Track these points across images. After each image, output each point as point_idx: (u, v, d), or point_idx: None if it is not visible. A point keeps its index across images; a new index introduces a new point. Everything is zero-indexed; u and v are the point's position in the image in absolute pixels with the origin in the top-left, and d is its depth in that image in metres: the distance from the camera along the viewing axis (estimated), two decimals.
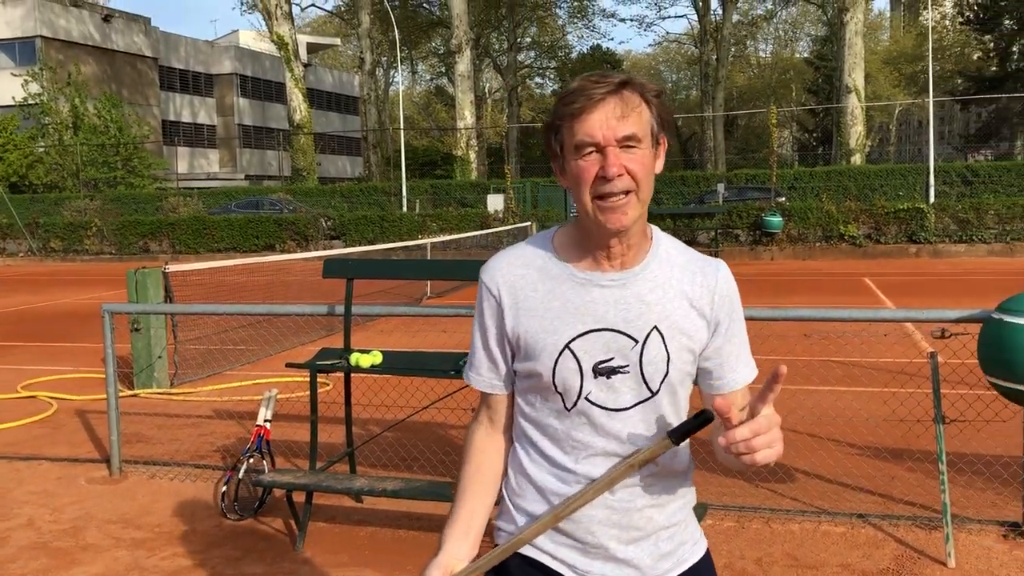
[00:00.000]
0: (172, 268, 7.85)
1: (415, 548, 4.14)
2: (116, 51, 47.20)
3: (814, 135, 59.73)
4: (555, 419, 1.61)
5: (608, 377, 1.57)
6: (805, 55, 66.10)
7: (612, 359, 1.57)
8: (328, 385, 7.57)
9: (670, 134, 1.60)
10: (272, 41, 36.35)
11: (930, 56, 26.93)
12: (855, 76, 30.89)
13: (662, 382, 1.58)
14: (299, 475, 4.26)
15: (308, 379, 4.52)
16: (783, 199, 24.85)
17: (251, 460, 4.75)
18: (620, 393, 1.57)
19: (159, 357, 7.76)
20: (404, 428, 5.75)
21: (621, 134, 1.49)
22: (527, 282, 1.62)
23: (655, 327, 1.57)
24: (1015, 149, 45.31)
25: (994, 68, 45.70)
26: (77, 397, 7.43)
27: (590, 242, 1.59)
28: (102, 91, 41.47)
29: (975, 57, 53.24)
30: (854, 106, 30.76)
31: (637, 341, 1.56)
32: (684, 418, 1.64)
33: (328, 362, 4.44)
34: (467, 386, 4.34)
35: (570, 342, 1.57)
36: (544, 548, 1.63)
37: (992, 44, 46.31)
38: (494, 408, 1.71)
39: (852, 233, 21.81)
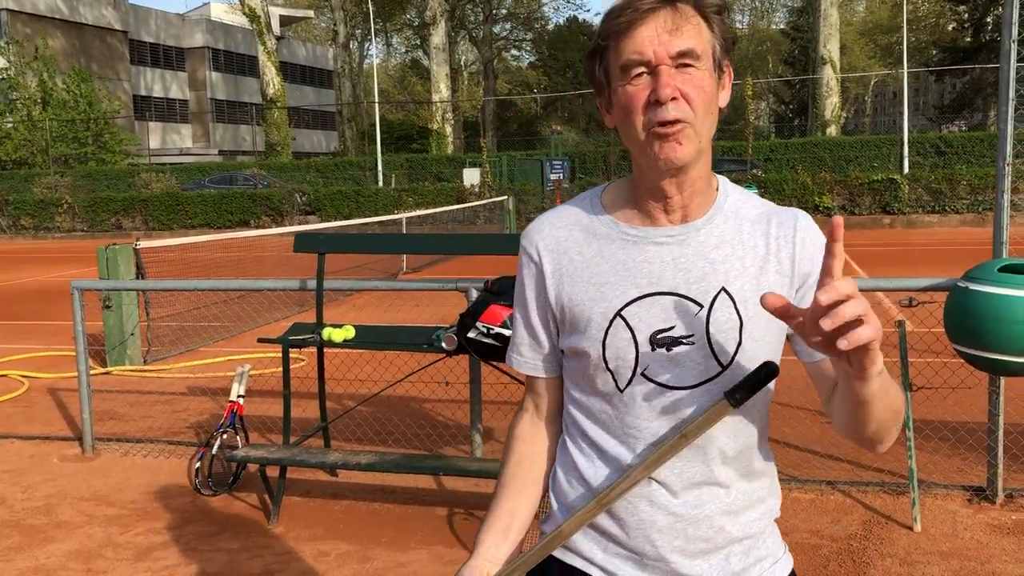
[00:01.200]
0: (144, 244, 7.79)
1: (390, 520, 4.16)
2: (84, 24, 46.40)
3: (790, 107, 59.86)
4: (607, 403, 1.38)
5: (668, 349, 1.32)
6: (782, 26, 66.13)
7: (673, 328, 1.32)
8: (303, 360, 7.56)
9: (729, 63, 1.36)
10: (244, 14, 35.88)
11: (904, 27, 27.01)
12: (830, 47, 30.93)
13: (735, 355, 1.32)
14: (272, 450, 4.27)
15: (281, 354, 4.51)
16: (759, 171, 24.94)
17: (224, 436, 4.74)
18: (684, 368, 1.32)
19: (131, 334, 7.71)
20: (378, 402, 5.76)
21: (675, 49, 1.25)
22: (572, 243, 1.41)
23: (723, 288, 1.32)
24: (988, 120, 45.63)
25: (968, 39, 45.89)
26: (49, 375, 7.38)
27: (643, 193, 1.36)
28: (71, 65, 40.77)
29: (949, 28, 53.45)
30: (829, 77, 30.83)
31: (702, 306, 1.32)
32: (769, 398, 1.40)
33: (300, 337, 4.43)
34: (440, 359, 4.34)
35: (622, 309, 1.34)
36: (594, 560, 1.40)
37: (966, 15, 46.48)
38: (539, 393, 1.50)
39: (827, 204, 21.96)
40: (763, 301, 1.10)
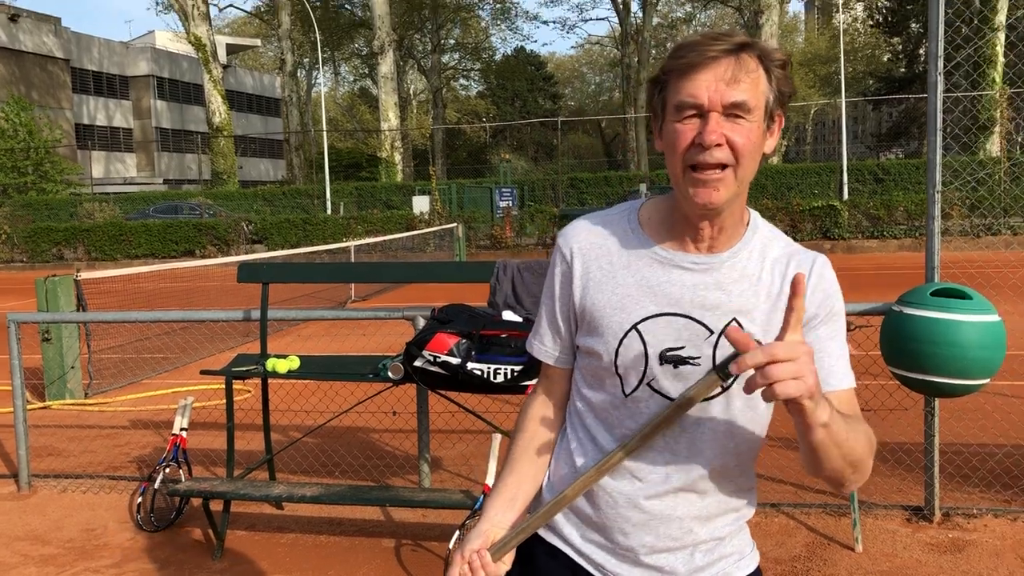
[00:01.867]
0: (85, 275, 7.64)
1: (337, 553, 4.11)
2: (24, 52, 45.59)
3: None
4: (610, 403, 1.47)
5: (675, 366, 1.41)
6: None
7: (683, 348, 1.41)
8: (248, 392, 7.46)
9: (782, 113, 1.42)
10: (189, 42, 35.59)
11: (842, 58, 27.81)
12: None
13: (734, 380, 1.41)
14: (216, 483, 4.20)
15: (224, 386, 4.46)
16: None
17: (167, 470, 4.66)
18: (687, 385, 1.40)
19: (72, 367, 7.54)
20: (324, 433, 5.70)
21: (729, 100, 1.31)
22: (603, 252, 1.49)
23: (735, 319, 1.41)
24: (924, 147, 46.98)
25: (903, 69, 47.31)
26: None
27: (678, 219, 1.44)
28: (10, 93, 40.03)
29: (885, 59, 55.09)
30: None
31: (712, 331, 1.40)
32: (759, 423, 1.48)
33: (244, 368, 4.39)
34: (387, 388, 4.33)
35: (639, 323, 1.42)
36: (574, 543, 1.53)
37: (900, 47, 47.97)
38: (553, 380, 1.61)
39: None
40: (726, 334, 1.19)
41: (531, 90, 62.53)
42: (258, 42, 64.10)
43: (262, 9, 56.01)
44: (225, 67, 49.19)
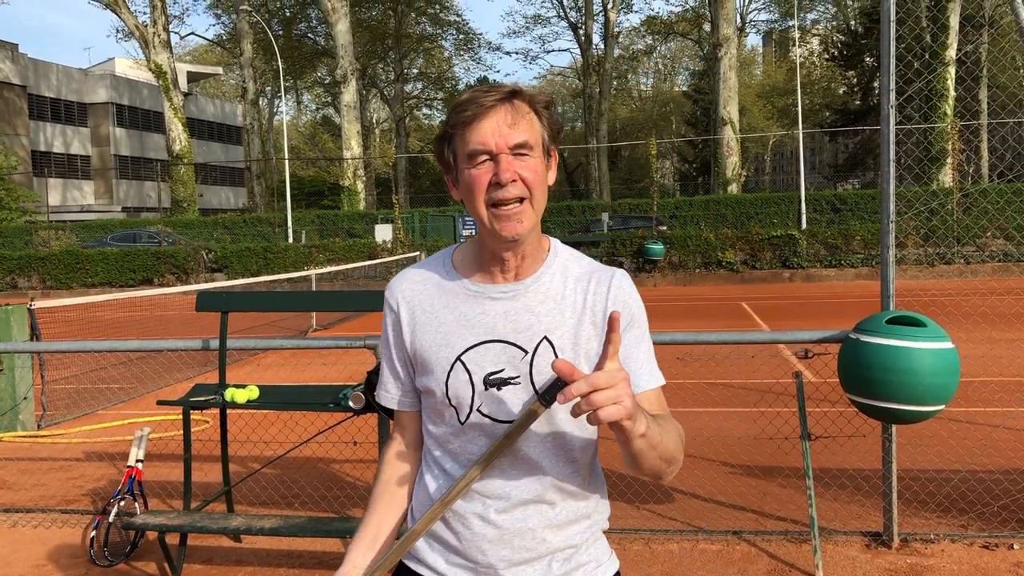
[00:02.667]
0: (39, 304, 7.50)
1: None
2: None
3: (694, 165, 61.82)
4: (452, 434, 1.59)
5: (499, 389, 1.54)
6: (684, 88, 68.53)
7: (503, 370, 1.54)
8: (207, 423, 7.34)
9: (555, 149, 1.60)
10: (150, 70, 35.36)
11: (799, 90, 28.35)
12: (730, 109, 32.17)
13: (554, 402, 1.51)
14: (172, 516, 4.12)
15: (182, 417, 4.39)
16: (664, 227, 25.61)
17: (122, 503, 4.56)
18: (510, 405, 1.53)
19: (24, 398, 7.38)
20: (283, 464, 5.63)
21: (513, 141, 1.48)
22: (425, 297, 1.63)
23: (545, 337, 1.53)
24: (879, 177, 47.97)
25: (858, 102, 48.39)
26: None
27: (485, 255, 1.59)
28: None
29: (841, 91, 56.29)
30: (729, 137, 32.01)
31: (527, 352, 1.53)
32: (587, 429, 1.59)
33: (202, 398, 4.32)
34: (348, 418, 4.29)
35: (462, 354, 1.56)
36: (438, 568, 1.60)
37: (855, 79, 49.08)
38: (404, 425, 1.71)
39: (729, 259, 22.62)
40: (552, 366, 1.28)
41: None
42: (220, 70, 63.89)
43: (224, 38, 55.88)
44: (186, 95, 48.90)
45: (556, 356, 1.52)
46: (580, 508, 1.60)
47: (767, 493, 5.07)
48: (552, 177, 1.58)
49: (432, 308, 1.61)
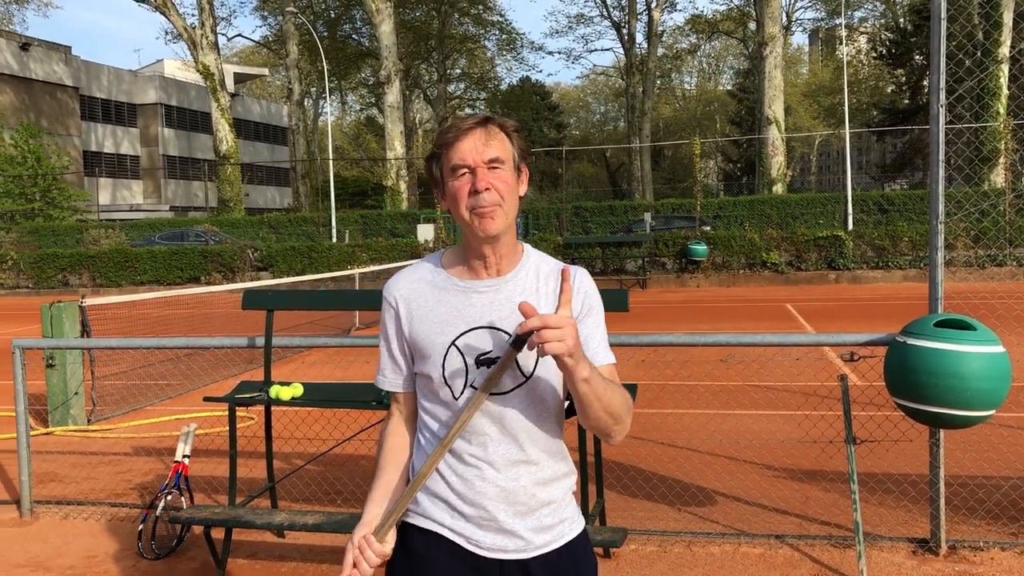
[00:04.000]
0: (90, 301, 7.66)
1: None
2: (34, 80, 46.06)
3: (738, 165, 61.25)
4: (447, 409, 1.88)
5: (489, 366, 1.82)
6: (728, 87, 67.93)
7: (491, 351, 1.83)
8: (252, 419, 7.45)
9: (526, 166, 1.91)
10: (198, 71, 35.90)
11: (846, 89, 27.95)
12: (775, 108, 31.80)
13: (534, 368, 1.84)
14: (218, 510, 4.19)
15: (228, 413, 4.45)
16: (708, 228, 25.38)
17: (169, 497, 4.65)
18: (500, 380, 1.81)
19: (75, 393, 7.54)
20: (326, 461, 5.69)
21: (487, 157, 1.80)
22: (419, 294, 1.93)
23: None
24: (928, 178, 47.10)
25: (907, 101, 47.57)
26: None
27: (470, 254, 1.89)
28: (19, 121, 40.37)
29: (889, 90, 55.37)
30: (775, 137, 31.64)
31: (510, 334, 1.82)
32: (563, 396, 1.92)
33: (248, 395, 4.39)
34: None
35: (455, 339, 1.85)
36: (445, 523, 1.86)
37: (904, 78, 48.25)
38: (401, 403, 2.01)
39: (774, 260, 22.36)
40: (519, 306, 1.63)
41: (536, 119, 62.86)
42: (266, 71, 64.67)
43: (270, 39, 56.55)
44: (233, 95, 49.58)
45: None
46: (559, 468, 1.91)
47: (810, 497, 5.01)
48: (523, 189, 1.90)
49: (427, 303, 1.91)
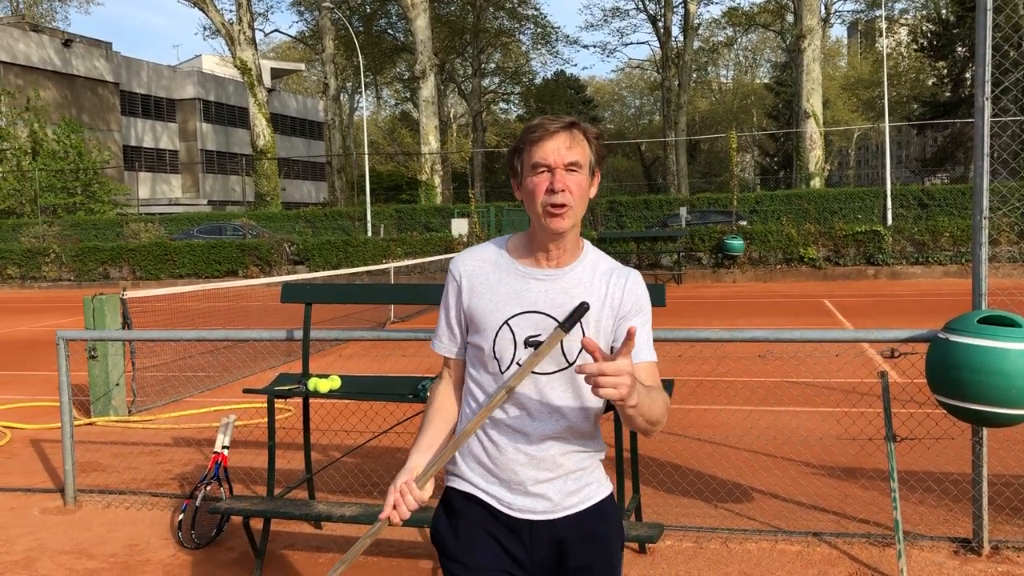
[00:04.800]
0: (130, 294, 7.78)
1: (375, 573, 4.12)
2: (76, 76, 46.80)
3: (775, 159, 60.61)
4: (493, 379, 2.03)
5: (536, 348, 1.95)
6: (765, 81, 67.22)
7: (540, 335, 1.98)
8: (289, 411, 7.52)
9: (599, 170, 2.04)
10: (235, 67, 36.24)
11: (885, 82, 27.53)
12: (813, 101, 31.42)
13: (578, 355, 1.98)
14: (256, 502, 4.23)
15: (267, 405, 4.50)
16: (745, 222, 25.16)
17: (208, 488, 4.71)
18: (544, 361, 1.96)
19: (117, 384, 7.66)
20: (364, 453, 5.73)
21: (568, 160, 1.93)
22: (483, 272, 2.07)
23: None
24: (969, 172, 46.27)
25: (948, 94, 46.75)
26: (32, 426, 7.31)
27: (534, 245, 2.03)
28: (62, 116, 41.04)
29: (929, 83, 54.45)
30: (812, 131, 31.26)
31: (559, 322, 1.96)
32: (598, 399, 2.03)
33: (286, 387, 4.43)
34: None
35: (509, 319, 2.00)
36: (479, 486, 2.04)
37: (946, 71, 47.41)
38: (452, 368, 2.16)
39: (812, 256, 22.12)
40: (582, 342, 1.71)
41: (571, 113, 62.49)
42: (302, 66, 65.13)
43: (306, 34, 56.91)
44: (270, 91, 50.03)
45: (583, 329, 1.99)
46: (587, 443, 2.06)
47: (849, 495, 4.96)
48: (594, 191, 2.04)
49: (488, 281, 2.05)
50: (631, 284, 2.06)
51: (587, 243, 2.10)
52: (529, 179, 1.96)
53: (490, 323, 2.01)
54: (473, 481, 2.06)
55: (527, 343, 1.98)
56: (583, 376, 1.91)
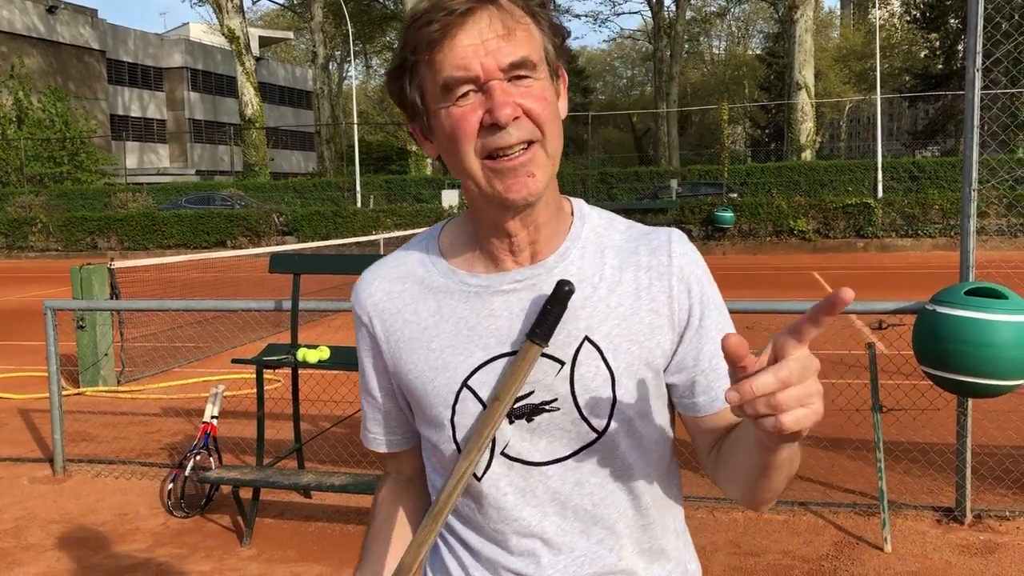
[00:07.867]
0: (118, 264, 7.74)
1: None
2: (62, 43, 46.23)
3: (766, 131, 60.49)
4: (467, 495, 1.15)
5: (530, 420, 1.10)
6: (758, 52, 66.94)
7: (531, 393, 1.10)
8: (279, 381, 7.52)
9: (563, 67, 1.12)
10: (223, 35, 35.87)
11: (878, 54, 27.45)
12: (805, 73, 31.33)
13: (610, 416, 1.10)
14: (246, 471, 4.25)
15: (255, 375, 4.50)
16: (735, 195, 25.17)
17: (198, 457, 4.72)
18: (552, 439, 1.11)
19: (105, 355, 7.65)
20: (353, 423, 5.74)
21: (508, 60, 1.01)
22: (406, 301, 1.17)
23: (586, 338, 1.09)
24: (960, 145, 46.33)
25: (940, 66, 46.67)
26: (19, 396, 7.30)
27: (484, 232, 1.13)
28: (47, 84, 40.57)
29: (922, 55, 54.34)
30: (804, 103, 31.20)
31: (563, 363, 1.09)
32: (660, 465, 1.19)
33: (275, 358, 4.43)
34: None
35: (468, 378, 1.11)
36: None
37: (938, 43, 47.30)
38: (399, 460, 1.30)
39: (801, 228, 22.17)
40: (724, 344, 0.89)
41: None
42: (291, 35, 64.49)
43: (295, 2, 56.32)
44: (258, 59, 49.58)
45: (606, 362, 1.09)
46: (676, 570, 1.20)
47: (835, 465, 5.00)
48: (564, 108, 1.11)
49: (418, 316, 1.15)
50: (678, 258, 1.12)
51: (577, 203, 1.19)
52: (443, 113, 1.05)
53: (439, 391, 1.12)
54: None
55: (513, 414, 1.10)
56: (629, 437, 1.11)
